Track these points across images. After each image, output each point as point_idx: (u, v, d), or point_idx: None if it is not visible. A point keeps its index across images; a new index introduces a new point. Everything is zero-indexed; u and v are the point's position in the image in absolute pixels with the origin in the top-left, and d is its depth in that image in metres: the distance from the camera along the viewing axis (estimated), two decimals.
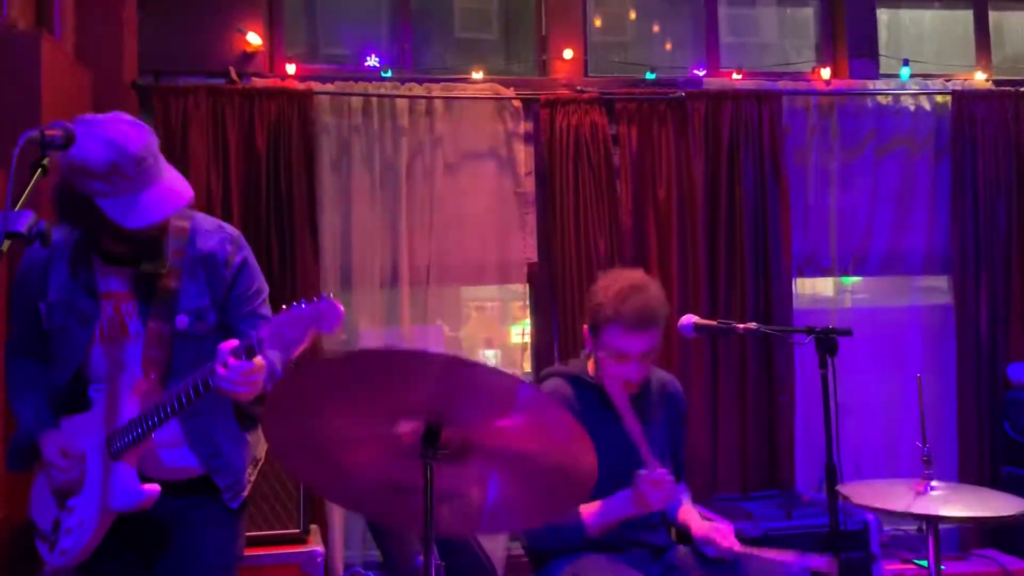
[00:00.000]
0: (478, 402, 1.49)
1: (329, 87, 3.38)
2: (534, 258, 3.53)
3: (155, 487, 1.80)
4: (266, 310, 1.99)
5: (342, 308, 1.67)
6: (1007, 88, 3.73)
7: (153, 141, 1.76)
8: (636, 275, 2.27)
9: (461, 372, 1.45)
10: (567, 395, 2.26)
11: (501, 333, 4.40)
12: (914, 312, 3.77)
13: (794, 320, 3.47)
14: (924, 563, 3.17)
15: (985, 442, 3.53)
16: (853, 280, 3.96)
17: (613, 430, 2.16)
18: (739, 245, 3.49)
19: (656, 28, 4.36)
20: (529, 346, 3.62)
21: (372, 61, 3.49)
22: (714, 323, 2.33)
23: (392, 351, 2.00)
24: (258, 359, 1.71)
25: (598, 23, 4.16)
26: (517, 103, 3.51)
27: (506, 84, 3.53)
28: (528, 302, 3.61)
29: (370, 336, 3.38)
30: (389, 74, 3.48)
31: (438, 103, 3.45)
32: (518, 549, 3.23)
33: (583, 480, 1.57)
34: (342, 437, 1.59)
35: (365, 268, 3.36)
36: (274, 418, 1.60)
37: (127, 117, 1.77)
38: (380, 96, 3.40)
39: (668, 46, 4.30)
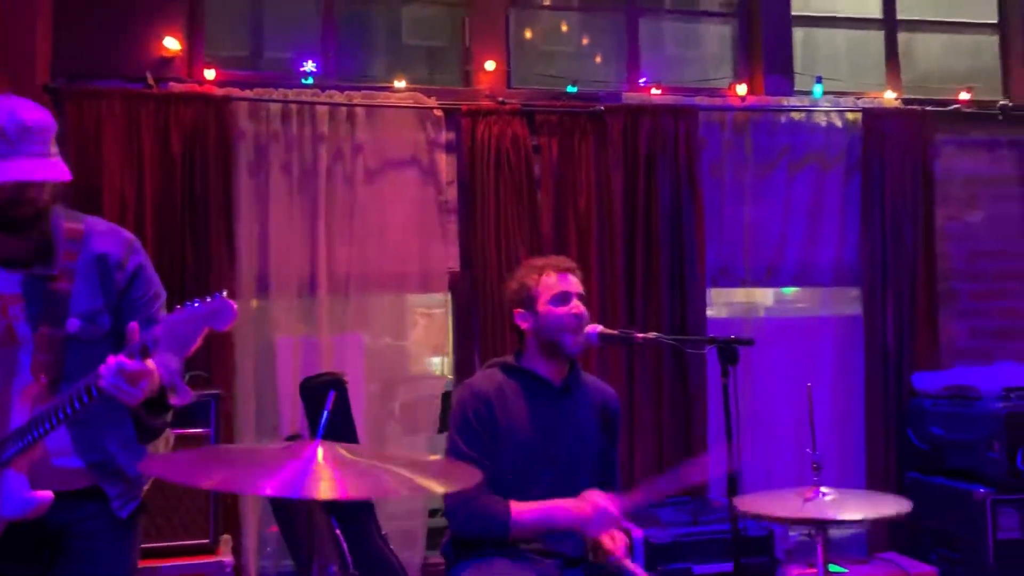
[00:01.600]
0: None
1: (248, 93, 3.36)
2: (456, 267, 3.55)
3: (47, 494, 1.76)
4: (163, 315, 1.97)
5: (235, 306, 1.68)
6: (915, 107, 3.87)
7: (52, 127, 1.79)
8: None
9: None
10: (499, 381, 2.34)
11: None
12: (825, 323, 3.89)
13: (708, 330, 3.55)
14: (833, 568, 3.26)
15: (891, 448, 3.64)
16: (772, 291, 4.07)
17: (543, 412, 2.31)
18: (656, 256, 3.56)
19: (586, 41, 4.43)
20: (451, 353, 3.64)
21: (309, 66, 3.48)
22: (616, 332, 2.38)
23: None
24: (149, 362, 1.70)
25: (528, 34, 4.21)
26: (439, 112, 3.53)
27: (428, 94, 3.54)
28: (450, 311, 3.63)
29: (287, 344, 3.37)
30: (310, 81, 3.47)
31: (359, 111, 3.45)
32: (435, 557, 3.24)
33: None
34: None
35: (282, 276, 3.34)
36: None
37: (36, 104, 1.80)
38: (300, 103, 3.39)
39: (598, 59, 4.36)
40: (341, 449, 1.52)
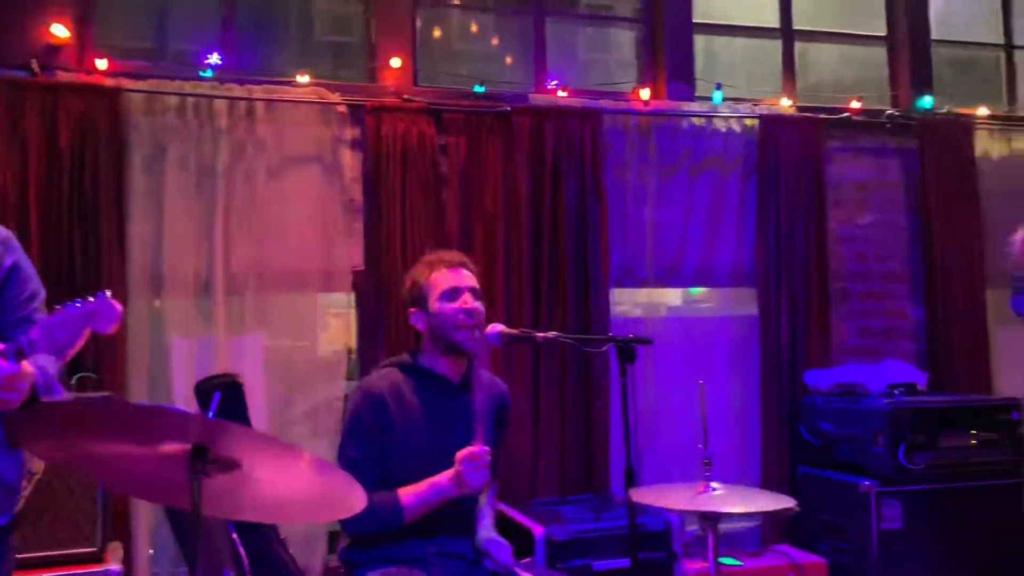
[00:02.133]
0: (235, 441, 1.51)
1: (142, 84, 3.24)
2: (360, 266, 3.50)
3: None
4: (41, 316, 1.89)
5: (119, 307, 1.63)
6: (809, 114, 4.01)
7: None
8: None
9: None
10: (395, 380, 2.32)
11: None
12: (723, 322, 4.00)
13: (612, 329, 3.61)
14: (726, 560, 3.36)
15: (784, 443, 3.77)
16: (674, 291, 4.16)
17: (440, 409, 2.30)
18: (561, 256, 3.60)
19: (496, 42, 4.44)
20: (355, 353, 3.59)
21: (213, 59, 3.38)
22: (517, 332, 2.39)
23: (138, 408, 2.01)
24: (25, 364, 1.63)
25: (437, 33, 4.20)
26: (343, 109, 3.48)
27: (332, 89, 3.49)
28: (354, 310, 3.58)
29: (182, 346, 3.26)
30: (208, 73, 3.38)
31: (260, 106, 3.37)
32: (335, 561, 3.19)
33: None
34: (110, 455, 1.56)
35: (178, 275, 3.24)
36: (31, 444, 1.55)
37: None
38: (197, 96, 3.29)
39: (508, 60, 4.37)
40: None
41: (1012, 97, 4.53)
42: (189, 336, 3.27)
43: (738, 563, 3.31)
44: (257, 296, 3.35)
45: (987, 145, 4.23)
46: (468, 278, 2.37)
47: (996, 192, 4.14)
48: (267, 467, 1.58)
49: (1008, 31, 4.55)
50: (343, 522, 2.27)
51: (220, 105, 3.31)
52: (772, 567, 3.31)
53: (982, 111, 4.26)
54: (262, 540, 2.85)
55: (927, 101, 4.19)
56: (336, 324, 3.81)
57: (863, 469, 3.31)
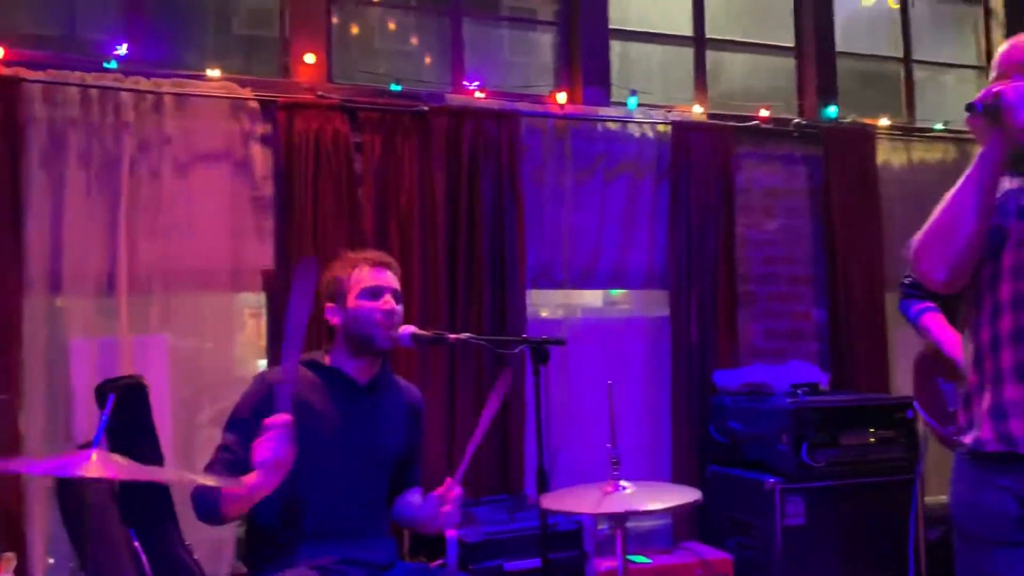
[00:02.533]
0: None
1: (42, 75, 3.11)
2: (271, 265, 3.43)
3: None
4: None
5: None
6: (719, 122, 4.11)
7: None
8: None
9: None
10: (301, 375, 2.26)
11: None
12: (636, 324, 4.07)
13: (528, 330, 3.63)
14: (636, 558, 3.41)
15: (694, 442, 3.85)
16: (593, 292, 4.21)
17: (344, 410, 2.27)
18: (478, 257, 3.60)
19: (415, 41, 4.42)
20: (265, 354, 3.52)
21: (122, 50, 3.26)
22: (429, 333, 2.38)
23: None
24: None
25: (355, 30, 4.15)
26: (255, 104, 3.41)
27: (243, 84, 3.41)
28: (265, 311, 3.51)
29: (83, 347, 3.14)
30: (113, 65, 3.26)
31: (168, 99, 3.27)
32: (242, 567, 3.12)
33: None
34: None
35: (78, 273, 3.11)
36: None
37: None
38: (101, 88, 3.17)
39: (427, 60, 4.36)
40: (118, 459, 1.43)
41: (911, 108, 4.74)
42: (91, 336, 3.15)
43: (647, 560, 3.37)
44: (163, 295, 3.25)
45: (888, 154, 4.41)
46: (391, 279, 2.34)
47: (896, 200, 4.32)
48: None
49: (907, 45, 4.76)
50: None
51: (126, 98, 3.20)
52: (681, 564, 3.37)
53: (883, 122, 4.44)
54: (164, 544, 2.76)
55: (832, 111, 4.35)
56: (253, 325, 3.73)
57: (768, 467, 3.41)
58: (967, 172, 1.76)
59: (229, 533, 3.24)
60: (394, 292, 2.33)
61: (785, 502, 3.31)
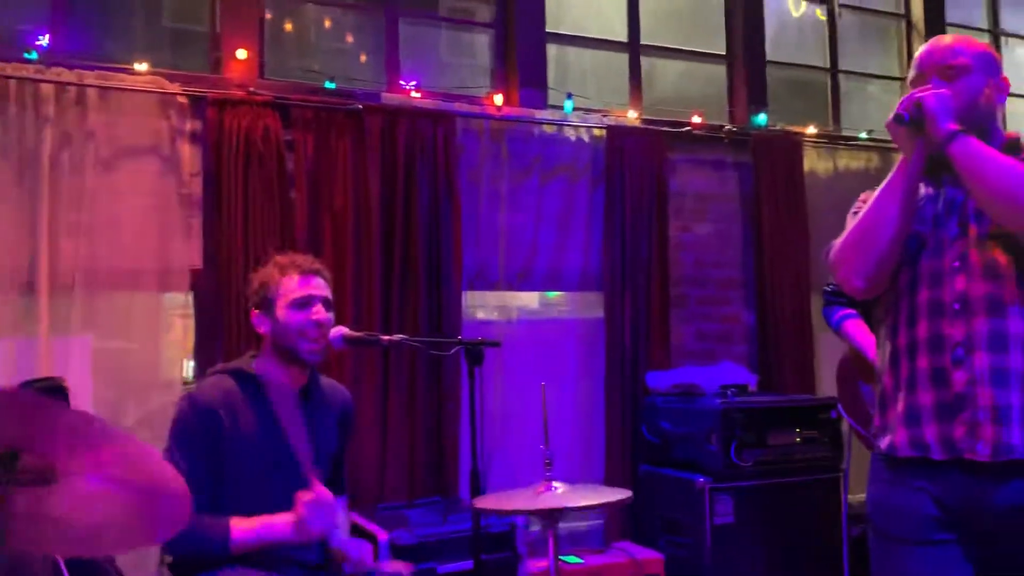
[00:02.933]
0: (56, 436, 1.40)
1: None
2: (199, 265, 3.35)
3: None
4: None
5: None
6: (654, 127, 4.17)
7: None
8: None
9: (34, 410, 1.36)
10: (228, 388, 2.20)
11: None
12: (572, 325, 4.10)
13: (464, 332, 3.62)
14: (569, 558, 3.43)
15: (627, 443, 3.89)
16: (529, 294, 4.21)
17: (275, 421, 2.17)
18: (413, 258, 3.57)
19: (350, 39, 4.37)
20: (192, 355, 3.43)
21: (43, 41, 3.13)
22: (362, 335, 2.36)
23: None
24: None
25: (289, 27, 4.09)
26: (183, 100, 3.33)
27: (172, 79, 3.32)
28: (192, 311, 3.42)
29: (1, 348, 3.02)
30: (34, 56, 3.14)
31: (91, 93, 3.17)
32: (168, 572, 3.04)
33: (176, 505, 1.53)
34: None
35: None
36: None
37: None
38: (20, 79, 3.05)
39: (363, 58, 4.31)
40: None
41: (837, 117, 4.88)
42: (9, 337, 3.03)
43: (580, 561, 3.39)
44: (86, 295, 3.15)
45: (814, 162, 4.54)
46: (321, 287, 2.28)
47: (821, 207, 4.44)
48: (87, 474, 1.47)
49: (834, 56, 4.90)
50: (166, 544, 2.15)
51: (47, 90, 3.09)
52: (612, 564, 3.41)
53: (811, 130, 4.56)
54: (90, 563, 2.67)
55: (761, 118, 4.45)
56: (180, 326, 3.62)
57: (698, 466, 3.47)
58: (887, 179, 1.79)
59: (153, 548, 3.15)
60: (324, 300, 2.27)
61: (715, 501, 3.37)
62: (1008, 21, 5.38)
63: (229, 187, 3.30)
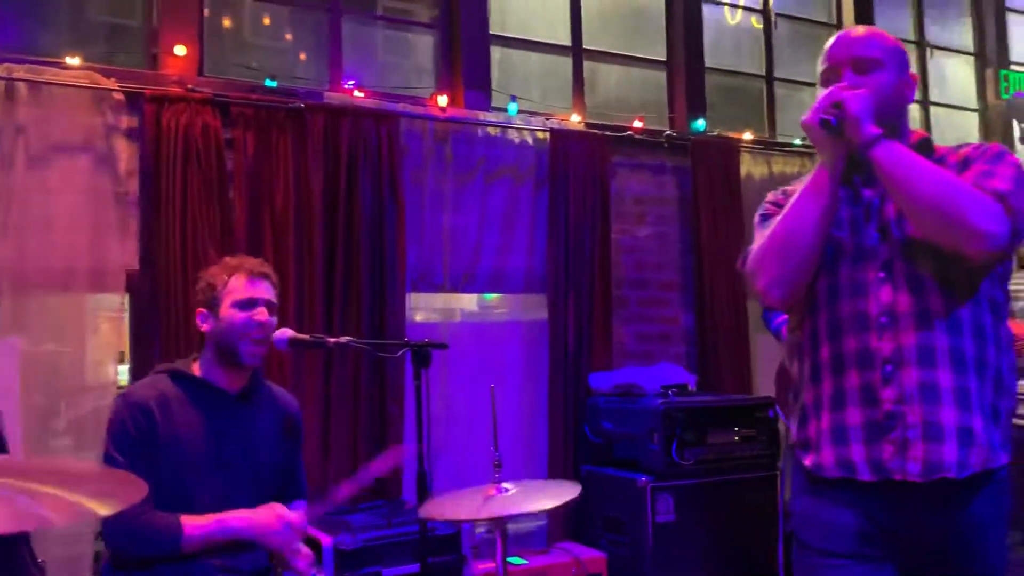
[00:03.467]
0: None
1: None
2: (135, 265, 3.26)
3: None
4: None
5: None
6: (596, 131, 4.21)
7: None
8: None
9: None
10: (164, 388, 2.20)
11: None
12: (516, 327, 4.11)
13: (408, 334, 3.60)
14: (513, 559, 3.44)
15: (570, 443, 3.93)
16: (473, 296, 4.21)
17: (214, 422, 2.20)
18: (356, 259, 3.54)
19: (289, 36, 4.30)
20: (128, 358, 3.34)
21: None
22: (307, 337, 2.34)
23: None
24: None
25: (228, 23, 4.01)
26: (119, 96, 3.23)
27: (107, 74, 3.23)
28: (127, 313, 3.33)
29: None
30: None
31: (22, 87, 3.06)
32: None
33: None
34: None
35: None
36: None
37: None
38: None
39: (303, 56, 4.26)
40: None
41: (772, 124, 5.00)
42: None
43: (524, 561, 3.40)
44: (14, 296, 3.04)
45: (750, 167, 4.64)
46: (267, 291, 2.29)
47: (757, 211, 4.53)
48: None
49: (770, 63, 5.02)
50: (106, 537, 2.12)
51: None
52: (556, 564, 3.43)
53: (747, 135, 4.67)
54: (14, 564, 2.57)
55: (700, 124, 4.54)
56: (108, 328, 3.52)
57: (640, 465, 3.52)
58: (806, 183, 1.69)
59: (86, 548, 3.06)
60: (268, 304, 2.28)
61: (656, 499, 3.42)
62: (933, 32, 5.59)
63: (167, 186, 3.22)
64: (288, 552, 2.19)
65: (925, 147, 1.73)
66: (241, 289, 2.24)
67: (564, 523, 3.81)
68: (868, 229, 1.70)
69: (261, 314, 2.24)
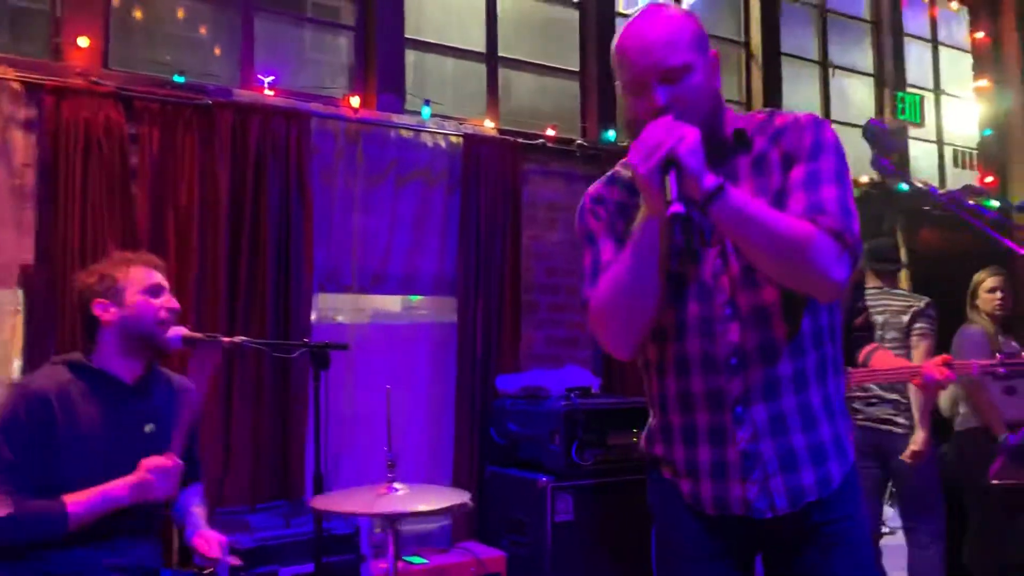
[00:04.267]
0: None
1: None
2: (30, 260, 3.18)
3: None
4: None
5: None
6: (509, 137, 4.28)
7: None
8: None
9: None
10: (63, 379, 2.21)
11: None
12: (425, 329, 4.15)
13: (315, 335, 3.60)
14: (413, 559, 3.48)
15: (475, 445, 3.98)
16: (383, 297, 4.22)
17: (114, 412, 2.22)
18: (261, 258, 3.53)
19: (204, 31, 4.25)
20: (21, 354, 3.26)
21: None
22: (201, 335, 2.35)
23: None
24: None
25: (138, 15, 3.94)
26: (17, 86, 3.16)
27: (6, 63, 3.15)
28: (22, 309, 3.25)
29: None
30: None
31: None
32: None
33: None
34: None
35: None
36: None
37: None
38: None
39: (217, 51, 4.21)
40: None
41: None
42: None
43: (424, 561, 3.44)
44: None
45: None
46: (165, 280, 2.37)
47: None
48: None
49: None
50: None
51: None
52: (455, 563, 3.48)
53: None
54: None
55: (611, 135, 4.65)
56: (7, 324, 3.42)
57: (542, 466, 3.59)
58: (635, 239, 1.55)
59: None
60: (170, 292, 2.38)
61: (556, 499, 3.50)
62: (835, 54, 5.85)
63: (66, 180, 3.16)
64: (199, 543, 2.24)
65: (741, 140, 1.63)
66: (145, 278, 2.30)
67: (468, 523, 3.86)
68: (709, 256, 1.61)
69: (172, 301, 2.34)
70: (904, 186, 1.59)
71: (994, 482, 3.33)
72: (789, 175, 1.58)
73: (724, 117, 1.65)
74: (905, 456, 3.56)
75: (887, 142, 1.58)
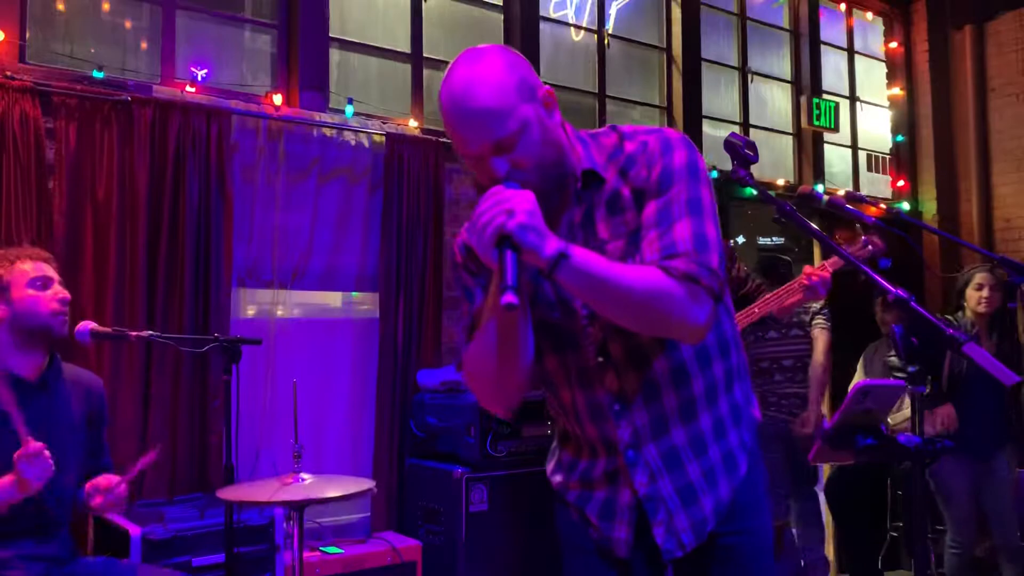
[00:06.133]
0: None
1: None
2: None
3: None
4: None
5: None
6: (432, 137, 4.37)
7: None
8: None
9: None
10: None
11: None
12: (347, 324, 4.22)
13: (234, 330, 3.65)
14: (330, 549, 3.56)
15: (395, 438, 4.07)
16: (305, 293, 4.28)
17: (17, 413, 2.16)
18: (180, 254, 3.56)
19: (129, 25, 4.24)
20: None
21: None
22: (108, 330, 2.40)
23: None
24: None
25: (60, 6, 3.92)
26: None
27: None
28: None
29: None
30: None
31: None
32: None
33: None
34: None
35: None
36: None
37: None
38: None
39: (144, 45, 4.21)
40: None
41: None
42: None
43: (340, 551, 3.52)
44: None
45: None
46: (54, 272, 2.38)
47: None
48: None
49: (602, 82, 5.30)
50: None
51: None
52: (371, 553, 3.56)
53: None
54: None
55: None
56: None
57: (458, 458, 3.70)
58: (495, 321, 1.49)
59: None
60: (60, 282, 2.39)
61: (470, 490, 3.62)
62: (755, 60, 6.06)
63: None
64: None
65: (592, 179, 1.55)
66: (31, 271, 2.33)
67: (387, 514, 3.95)
68: (575, 304, 1.56)
69: (62, 291, 2.36)
70: (753, 191, 1.67)
71: (812, 463, 3.54)
72: (642, 214, 1.52)
73: (572, 156, 1.55)
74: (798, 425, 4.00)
75: (745, 154, 1.68)
